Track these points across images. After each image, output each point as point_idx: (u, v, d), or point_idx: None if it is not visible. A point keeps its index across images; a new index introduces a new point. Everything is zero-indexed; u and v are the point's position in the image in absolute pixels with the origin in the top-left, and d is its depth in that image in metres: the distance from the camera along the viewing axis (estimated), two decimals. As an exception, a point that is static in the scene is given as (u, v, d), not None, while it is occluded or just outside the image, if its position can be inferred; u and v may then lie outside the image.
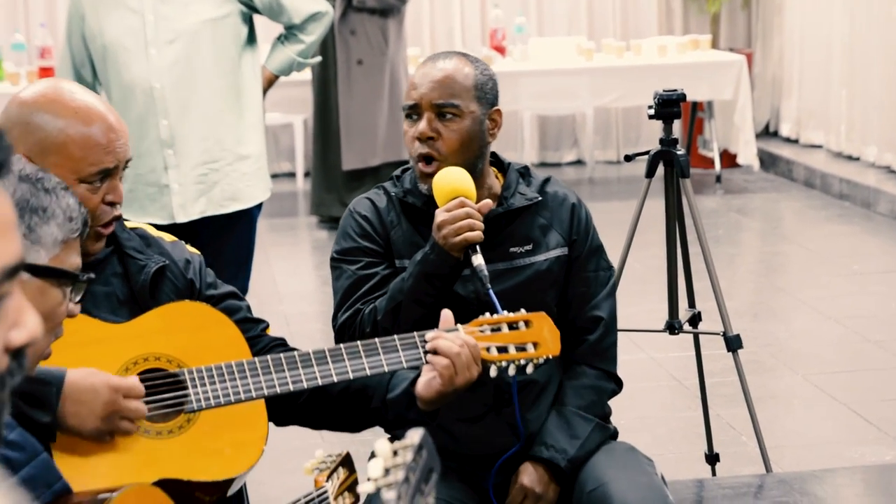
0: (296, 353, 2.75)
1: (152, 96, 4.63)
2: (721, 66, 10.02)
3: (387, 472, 1.53)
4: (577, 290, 3.16)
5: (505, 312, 2.83)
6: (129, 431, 2.54)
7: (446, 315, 2.77)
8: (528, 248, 3.11)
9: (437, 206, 3.09)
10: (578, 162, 11.26)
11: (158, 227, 4.47)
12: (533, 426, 3.06)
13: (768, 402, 5.10)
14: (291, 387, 2.70)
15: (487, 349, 2.77)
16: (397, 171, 3.24)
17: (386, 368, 2.74)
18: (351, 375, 2.73)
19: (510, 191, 3.12)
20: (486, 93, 3.12)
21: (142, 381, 2.62)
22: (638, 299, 6.23)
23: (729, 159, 10.60)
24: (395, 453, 1.56)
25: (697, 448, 4.80)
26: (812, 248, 8.37)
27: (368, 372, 2.74)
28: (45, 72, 9.04)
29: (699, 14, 11.47)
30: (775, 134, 11.47)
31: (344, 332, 3.06)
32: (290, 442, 5.14)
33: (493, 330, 2.80)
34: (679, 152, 4.17)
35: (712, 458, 4.47)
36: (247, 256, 4.87)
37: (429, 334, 2.74)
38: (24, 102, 2.72)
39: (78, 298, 2.22)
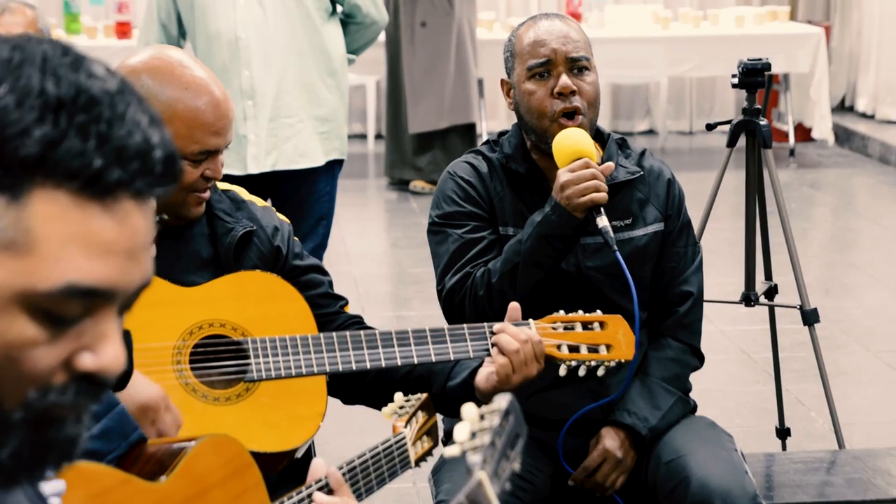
0: (362, 332, 2.73)
1: (237, 46, 4.68)
2: (799, 39, 9.91)
3: (473, 435, 1.53)
4: (667, 264, 3.13)
5: (581, 312, 2.81)
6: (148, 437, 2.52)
7: (513, 308, 2.75)
8: (628, 222, 3.07)
9: (540, 174, 3.07)
10: (650, 132, 11.19)
11: (235, 178, 4.55)
12: (614, 392, 3.03)
13: (839, 379, 5.05)
14: (354, 366, 2.68)
15: (558, 347, 2.75)
16: (493, 136, 3.21)
17: (452, 357, 2.72)
18: (416, 360, 2.71)
19: (612, 171, 3.04)
20: (592, 49, 3.11)
21: (205, 346, 2.62)
22: (708, 271, 6.17)
23: (803, 133, 10.50)
24: (482, 417, 1.56)
25: (765, 422, 4.77)
26: (886, 224, 8.28)
27: (434, 359, 2.72)
28: (122, 26, 9.10)
29: (778, -15, 11.34)
30: (851, 109, 11.34)
31: (453, 295, 3.02)
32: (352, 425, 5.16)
33: (566, 328, 2.78)
34: (762, 122, 4.13)
35: (783, 433, 4.44)
36: (326, 213, 4.89)
37: (496, 326, 2.72)
38: (134, 69, 2.65)
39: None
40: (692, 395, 3.20)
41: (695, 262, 3.17)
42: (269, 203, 3.00)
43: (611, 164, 2.99)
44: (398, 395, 2.57)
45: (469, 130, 9.05)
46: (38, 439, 1.16)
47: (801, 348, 5.41)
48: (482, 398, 2.72)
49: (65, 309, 1.13)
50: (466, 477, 1.48)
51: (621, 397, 3.03)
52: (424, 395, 2.54)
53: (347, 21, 4.90)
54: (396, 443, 2.44)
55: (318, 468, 2.17)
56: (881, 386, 5.50)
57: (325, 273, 2.92)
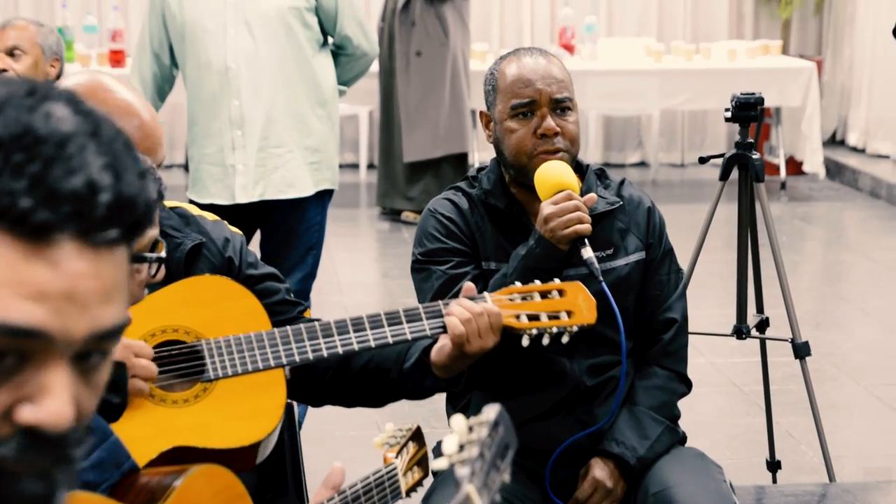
0: (316, 323, 2.72)
1: (227, 76, 4.69)
2: (791, 73, 9.96)
3: (461, 448, 1.51)
4: (651, 292, 3.13)
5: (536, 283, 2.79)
6: (142, 390, 2.53)
7: (468, 287, 2.74)
8: (610, 252, 3.08)
9: (520, 208, 3.08)
10: (642, 164, 11.21)
11: (222, 208, 4.57)
12: (602, 421, 3.03)
13: (829, 412, 5.06)
14: (311, 356, 2.67)
15: (517, 317, 2.73)
16: (472, 172, 3.21)
17: (409, 336, 2.70)
18: (373, 344, 2.69)
19: (594, 201, 3.04)
20: (573, 89, 3.12)
21: (159, 352, 2.63)
22: (698, 303, 6.20)
23: (794, 166, 10.53)
24: (471, 429, 1.54)
25: (755, 455, 4.77)
26: (876, 258, 8.30)
27: (391, 340, 2.69)
28: (116, 54, 9.12)
29: (770, 19, 11.40)
30: (842, 143, 11.38)
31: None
32: (347, 431, 5.16)
33: (523, 298, 2.76)
34: (754, 156, 4.15)
35: (774, 466, 4.44)
36: (315, 243, 4.90)
37: (451, 301, 2.71)
38: None
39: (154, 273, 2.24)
40: (682, 425, 3.20)
41: (678, 288, 3.18)
42: (230, 225, 2.99)
43: (594, 195, 3.00)
44: (389, 425, 2.57)
45: (462, 160, 9.07)
46: None
47: (791, 381, 5.42)
48: (439, 372, 2.71)
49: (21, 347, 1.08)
50: (455, 490, 1.46)
51: (609, 426, 3.03)
52: (415, 426, 2.54)
53: (338, 52, 4.91)
54: (388, 473, 2.44)
55: (336, 473, 2.19)
56: (871, 419, 5.50)
57: (282, 281, 2.92)
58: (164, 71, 4.82)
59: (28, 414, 1.10)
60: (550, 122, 3.00)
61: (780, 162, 10.17)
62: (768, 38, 10.98)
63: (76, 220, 1.09)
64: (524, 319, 2.73)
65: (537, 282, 2.79)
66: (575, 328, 2.75)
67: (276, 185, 4.78)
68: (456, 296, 2.97)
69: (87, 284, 1.10)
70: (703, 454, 3.12)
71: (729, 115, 4.14)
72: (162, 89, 4.88)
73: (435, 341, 2.73)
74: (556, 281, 2.79)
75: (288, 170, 4.79)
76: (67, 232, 1.09)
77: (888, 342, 6.54)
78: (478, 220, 3.10)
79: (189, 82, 4.76)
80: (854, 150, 11.11)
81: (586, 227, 2.91)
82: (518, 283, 2.80)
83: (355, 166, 10.74)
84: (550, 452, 2.99)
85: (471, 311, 2.66)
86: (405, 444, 2.50)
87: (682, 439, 3.17)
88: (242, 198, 4.74)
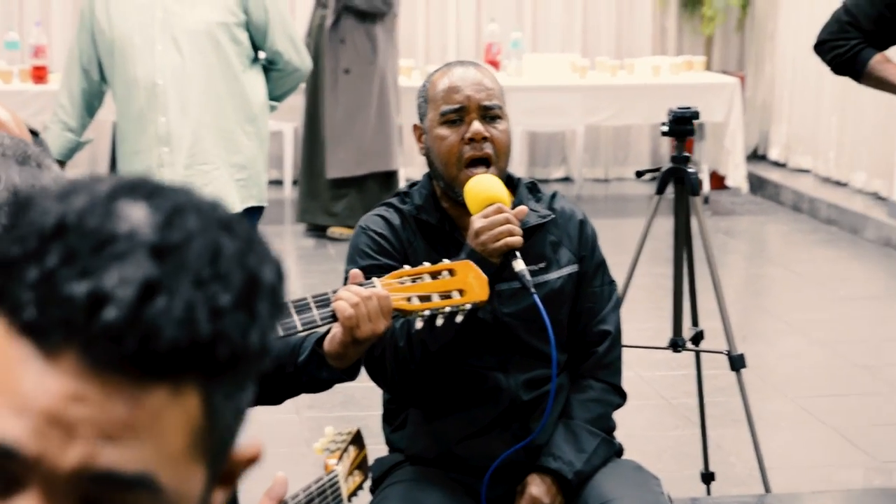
0: None
1: (154, 93, 4.66)
2: (714, 88, 10.05)
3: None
4: (584, 305, 3.15)
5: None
6: None
7: (355, 273, 2.72)
8: (542, 265, 3.08)
9: (451, 223, 3.08)
10: (566, 179, 11.26)
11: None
12: (538, 438, 3.04)
13: (757, 424, 5.08)
14: None
15: (408, 299, 2.70)
16: (403, 187, 3.21)
17: (300, 326, 2.66)
18: None
19: (525, 214, 3.04)
20: (504, 99, 3.13)
21: None
22: (627, 316, 6.23)
23: (717, 181, 10.63)
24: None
25: (686, 467, 4.80)
26: (799, 271, 8.39)
27: (281, 332, 2.66)
28: (39, 70, 9.02)
29: (693, 35, 11.50)
30: (763, 157, 11.50)
31: (374, 346, 2.98)
32: (276, 448, 5.13)
33: (413, 280, 2.74)
34: (690, 170, 4.18)
35: (708, 477, 4.47)
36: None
37: (341, 287, 2.69)
38: None
39: None
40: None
41: (611, 300, 3.19)
42: None
43: (524, 207, 3.00)
44: (328, 430, 2.55)
45: (388, 178, 9.07)
46: None
47: (718, 393, 5.46)
48: (333, 362, 2.68)
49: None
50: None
51: (546, 441, 3.04)
52: (355, 429, 2.52)
53: (269, 68, 4.89)
54: (329, 481, 2.43)
55: (280, 483, 2.16)
56: (799, 431, 5.55)
57: None
58: (93, 87, 4.78)
59: None
60: (478, 126, 3.01)
61: (704, 176, 10.26)
62: (691, 54, 11.08)
63: (72, 331, 0.94)
64: (415, 301, 2.70)
65: (426, 263, 2.78)
66: (468, 306, 2.72)
67: None
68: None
69: (81, 410, 0.95)
70: (640, 466, 3.13)
71: (666, 129, 4.18)
72: (91, 105, 4.83)
73: (327, 333, 2.71)
74: (445, 261, 2.78)
75: (215, 187, 4.75)
76: (68, 345, 0.95)
77: (812, 354, 6.61)
78: (409, 236, 3.09)
79: (117, 99, 4.72)
80: (776, 164, 11.23)
81: (517, 239, 2.91)
82: (407, 267, 2.76)
83: (279, 182, 10.71)
84: (487, 468, 2.99)
85: (359, 295, 2.62)
86: (346, 449, 2.48)
87: (619, 451, 3.19)
88: None
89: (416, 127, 3.16)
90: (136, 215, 0.97)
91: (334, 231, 9.02)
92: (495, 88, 3.08)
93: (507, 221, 2.91)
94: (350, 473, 2.47)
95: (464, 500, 3.03)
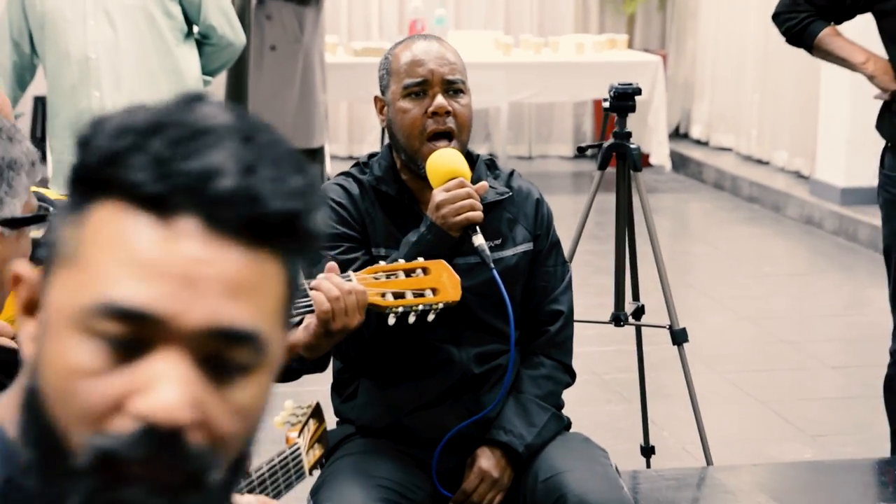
0: None
1: (87, 66, 4.61)
2: (637, 66, 10.10)
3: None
4: (537, 283, 3.16)
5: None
6: None
7: (331, 266, 2.73)
8: (498, 242, 3.09)
9: (410, 195, 3.08)
10: (490, 156, 11.22)
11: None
12: (490, 412, 3.05)
13: (687, 399, 5.14)
14: None
15: (383, 295, 2.73)
16: (363, 158, 3.21)
17: None
18: None
19: (486, 190, 3.04)
20: (466, 75, 3.13)
21: None
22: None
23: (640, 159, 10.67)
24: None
25: (621, 441, 4.83)
26: (722, 248, 8.48)
27: None
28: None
29: (615, 14, 11.56)
30: (685, 136, 11.60)
31: None
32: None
33: (388, 276, 2.77)
34: (632, 146, 4.20)
35: (647, 451, 4.50)
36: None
37: (316, 279, 2.70)
38: None
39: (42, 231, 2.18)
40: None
41: (564, 280, 3.21)
42: None
43: (484, 183, 3.01)
44: (288, 403, 2.55)
45: (314, 154, 9.04)
46: (105, 495, 1.06)
47: (651, 369, 5.50)
48: (305, 352, 2.69)
49: (108, 330, 1.06)
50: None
51: (495, 414, 3.05)
52: (315, 403, 2.52)
53: (203, 42, 4.85)
54: (291, 454, 2.43)
55: None
56: (729, 405, 5.61)
57: None
58: (24, 60, 4.72)
59: (138, 403, 1.05)
60: (442, 100, 3.01)
61: (627, 154, 10.30)
62: (614, 32, 11.13)
63: (194, 199, 1.07)
64: (389, 297, 2.73)
65: (401, 260, 2.79)
66: (440, 305, 2.76)
67: None
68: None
69: (206, 271, 1.07)
70: (588, 439, 3.15)
71: (608, 105, 4.20)
72: (22, 78, 4.77)
73: (299, 322, 2.72)
74: (420, 259, 2.80)
75: None
76: (188, 213, 1.07)
77: (738, 330, 6.68)
78: (368, 207, 3.09)
79: (49, 72, 4.66)
80: (698, 142, 11.33)
81: (478, 214, 2.92)
82: (382, 263, 2.81)
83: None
84: (438, 441, 3.00)
85: (339, 289, 2.65)
86: (306, 423, 2.48)
87: (567, 426, 3.21)
88: None
89: (377, 99, 3.15)
90: (215, 112, 1.11)
91: None
92: (458, 63, 3.08)
93: (469, 196, 2.92)
94: (311, 447, 2.47)
95: (414, 472, 3.03)
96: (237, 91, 8.87)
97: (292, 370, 2.74)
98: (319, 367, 2.76)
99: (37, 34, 4.65)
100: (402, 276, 2.76)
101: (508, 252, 3.11)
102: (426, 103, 3.03)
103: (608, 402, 5.53)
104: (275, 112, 8.78)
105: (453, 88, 3.05)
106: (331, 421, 3.19)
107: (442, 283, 2.76)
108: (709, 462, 4.13)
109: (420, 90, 3.04)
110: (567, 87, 9.93)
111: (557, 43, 10.25)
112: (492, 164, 3.22)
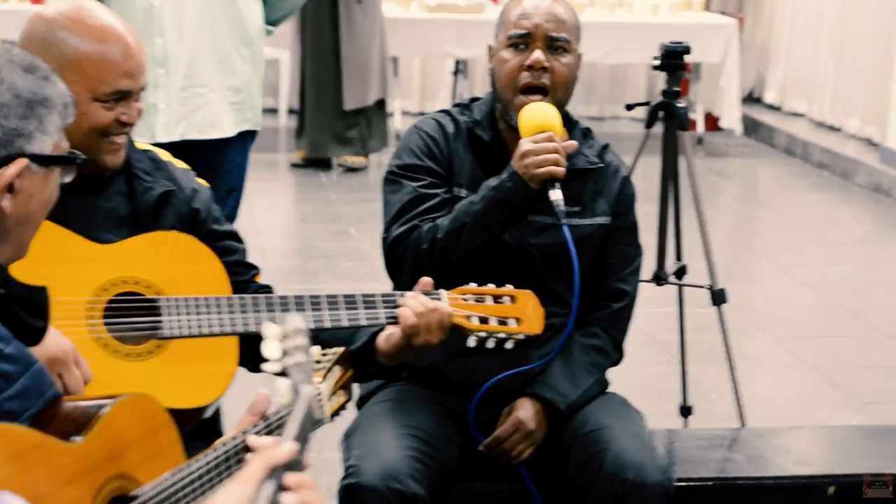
0: (276, 296, 2.74)
1: (151, 14, 4.65)
2: (712, 29, 10.04)
3: (284, 353, 1.76)
4: (608, 259, 3.17)
5: (490, 286, 2.83)
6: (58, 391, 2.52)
7: (425, 281, 2.79)
8: (577, 209, 3.11)
9: (503, 145, 3.11)
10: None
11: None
12: (532, 363, 3.07)
13: (740, 363, 5.13)
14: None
15: (468, 318, 2.78)
16: (465, 100, 3.24)
17: (365, 322, 2.75)
18: (328, 324, 2.73)
19: (574, 149, 3.07)
20: (580, 35, 3.15)
21: (119, 302, 2.63)
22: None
23: (711, 122, 10.63)
24: (286, 336, 1.78)
25: (667, 402, 4.85)
26: (790, 214, 8.43)
27: (346, 323, 2.74)
28: (36, -10, 8.99)
29: (694, -25, 11.46)
30: (758, 100, 11.51)
31: (397, 244, 3.05)
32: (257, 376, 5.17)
33: (476, 300, 2.81)
34: (680, 105, 4.20)
35: (686, 410, 4.52)
36: (237, 184, 4.88)
37: (407, 293, 2.76)
38: (44, 19, 2.74)
39: (70, 178, 2.23)
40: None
41: (634, 263, 3.23)
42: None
43: (574, 142, 3.04)
44: (315, 349, 2.59)
45: (380, 106, 9.11)
46: None
47: (703, 332, 5.51)
48: (384, 359, 2.76)
49: None
50: (293, 395, 1.74)
51: (540, 370, 3.07)
52: (342, 349, 2.56)
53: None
54: (313, 398, 2.46)
55: (262, 399, 2.22)
56: (780, 370, 5.61)
57: (241, 241, 2.94)
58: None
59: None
60: (539, 54, 3.05)
61: (698, 117, 10.27)
62: (691, -7, 11.04)
63: None
64: (475, 321, 2.79)
65: (491, 286, 2.83)
66: (521, 336, 2.81)
67: (198, 125, 4.75)
68: (426, 212, 3.04)
69: None
70: (626, 401, 3.19)
71: (658, 63, 4.20)
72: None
73: (382, 328, 2.77)
74: (510, 287, 2.84)
75: (210, 109, 4.76)
76: None
77: (799, 296, 6.66)
78: (459, 147, 3.14)
79: (114, 19, 4.72)
80: (770, 107, 11.24)
81: (561, 169, 2.95)
82: (474, 285, 2.83)
83: (274, 111, 10.71)
84: (476, 388, 3.02)
85: (425, 307, 2.71)
86: (331, 368, 2.52)
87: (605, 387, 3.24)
88: (163, 137, 4.71)
89: (490, 47, 3.19)
90: None
91: (347, 160, 9.04)
92: (568, 22, 3.10)
93: (555, 151, 2.94)
94: (334, 393, 2.51)
95: (447, 424, 3.07)
96: (319, 45, 8.91)
97: (366, 373, 2.80)
98: (393, 375, 2.83)
99: (101, -18, 4.71)
100: (489, 300, 2.81)
101: (586, 220, 3.13)
102: (525, 56, 3.06)
103: (659, 364, 5.54)
104: (365, 65, 8.84)
105: (556, 45, 3.07)
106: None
107: (527, 314, 2.82)
108: (743, 424, 4.15)
109: (523, 42, 3.07)
110: (640, 48, 9.85)
111: (632, 3, 10.21)
112: (588, 133, 3.23)
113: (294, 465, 1.69)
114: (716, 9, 11.28)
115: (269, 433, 2.20)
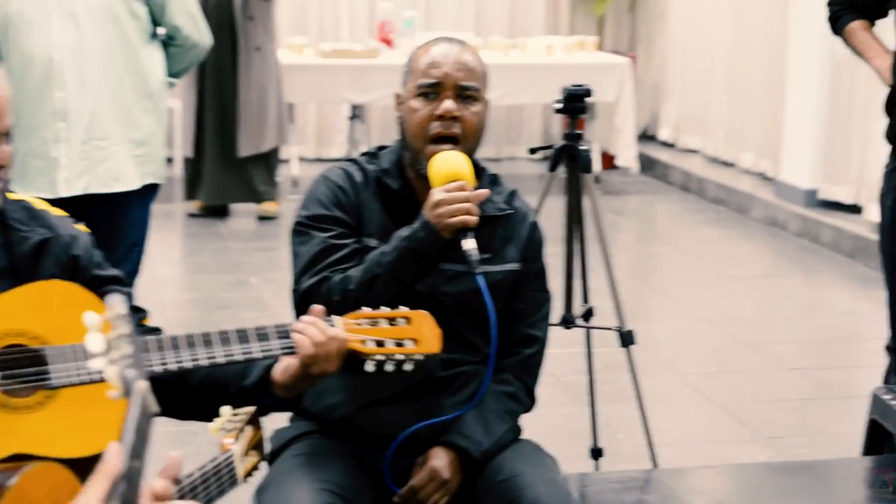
0: (165, 337, 2.69)
1: (51, 67, 4.61)
2: (606, 68, 10.13)
3: (109, 346, 1.69)
4: (518, 305, 3.16)
5: (392, 309, 2.81)
6: None
7: (317, 308, 2.76)
8: (488, 256, 3.09)
9: (412, 193, 3.10)
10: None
11: (49, 202, 4.48)
12: (447, 413, 3.05)
13: (645, 401, 5.18)
14: (159, 369, 2.63)
15: (363, 342, 2.75)
16: (372, 149, 3.23)
17: (259, 354, 2.69)
18: (222, 360, 2.68)
19: (486, 197, 3.04)
20: (487, 82, 3.14)
21: (2, 355, 2.58)
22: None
23: (608, 161, 10.73)
24: (109, 326, 1.71)
25: (576, 444, 4.86)
26: (688, 250, 8.51)
27: (239, 357, 2.69)
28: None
29: (585, 16, 11.60)
30: (653, 138, 11.63)
31: (308, 296, 3.00)
32: (170, 427, 5.10)
33: (370, 324, 2.79)
34: (582, 148, 4.22)
35: (597, 452, 4.52)
36: (139, 238, 4.83)
37: (302, 319, 2.72)
38: None
39: None
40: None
41: (543, 308, 3.22)
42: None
43: (486, 191, 3.01)
44: (225, 409, 2.54)
45: (274, 152, 9.13)
46: None
47: (607, 371, 5.53)
48: (280, 391, 2.71)
49: None
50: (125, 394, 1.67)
51: (456, 420, 3.06)
52: (252, 409, 2.52)
53: (168, 43, 4.86)
54: (225, 461, 2.43)
55: (174, 463, 2.16)
56: (685, 407, 5.64)
57: (126, 284, 2.89)
58: (-12, 61, 4.72)
59: None
60: (450, 104, 3.03)
61: (595, 156, 10.35)
62: (584, 34, 11.16)
63: None
64: (370, 345, 2.75)
65: (385, 308, 2.81)
66: (420, 356, 2.78)
67: (101, 179, 4.70)
68: (336, 263, 3.00)
69: None
70: (539, 447, 3.17)
71: (559, 106, 4.22)
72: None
73: (276, 360, 2.74)
74: (403, 308, 2.81)
75: (113, 163, 4.72)
76: None
77: (700, 332, 6.72)
78: (368, 196, 3.11)
79: (13, 73, 4.66)
80: (665, 144, 11.37)
81: (474, 219, 2.93)
82: (367, 309, 2.80)
83: (169, 160, 10.62)
84: (389, 439, 3.00)
85: (324, 334, 2.67)
86: (242, 429, 2.48)
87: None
88: (65, 191, 4.65)
89: (396, 95, 3.17)
90: None
91: (263, 208, 9.05)
92: (477, 70, 3.09)
93: (467, 200, 2.93)
94: (246, 454, 2.47)
95: (362, 476, 3.04)
96: (222, 94, 8.87)
97: (264, 406, 2.76)
98: (292, 407, 2.79)
99: (0, 35, 4.65)
100: (384, 323, 2.77)
101: (497, 267, 3.12)
102: (435, 105, 3.05)
103: (566, 405, 5.55)
104: (261, 112, 8.83)
105: (465, 94, 3.06)
106: (285, 416, 3.20)
107: (423, 334, 2.78)
108: (655, 465, 4.16)
109: (432, 91, 3.05)
110: (536, 89, 9.94)
111: (526, 44, 10.28)
112: (495, 180, 3.22)
113: (133, 473, 1.63)
114: (609, 49, 11.40)
115: (181, 497, 2.16)
